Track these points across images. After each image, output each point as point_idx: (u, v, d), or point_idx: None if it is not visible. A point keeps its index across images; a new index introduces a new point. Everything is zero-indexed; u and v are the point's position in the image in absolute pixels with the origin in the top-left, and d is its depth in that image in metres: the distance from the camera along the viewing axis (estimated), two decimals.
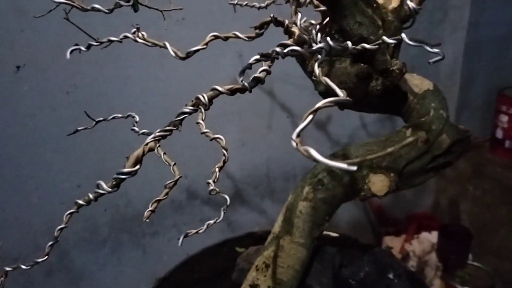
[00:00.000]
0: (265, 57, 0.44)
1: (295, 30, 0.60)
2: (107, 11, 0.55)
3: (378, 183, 0.58)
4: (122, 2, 0.53)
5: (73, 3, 0.53)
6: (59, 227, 0.44)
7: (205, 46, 0.59)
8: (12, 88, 0.87)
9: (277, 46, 0.43)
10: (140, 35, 0.65)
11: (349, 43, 0.41)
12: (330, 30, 0.55)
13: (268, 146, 1.21)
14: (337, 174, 0.61)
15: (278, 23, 0.59)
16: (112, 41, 0.63)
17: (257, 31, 0.60)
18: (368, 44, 0.47)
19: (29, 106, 0.90)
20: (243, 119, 1.14)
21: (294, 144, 0.27)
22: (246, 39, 0.61)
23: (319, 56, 0.46)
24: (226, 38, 0.62)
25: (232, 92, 0.47)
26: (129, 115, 0.55)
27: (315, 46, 0.39)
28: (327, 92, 0.57)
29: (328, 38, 0.41)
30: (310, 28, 0.54)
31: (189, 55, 0.59)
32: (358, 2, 0.49)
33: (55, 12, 0.52)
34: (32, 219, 1.00)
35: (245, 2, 0.67)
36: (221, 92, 0.47)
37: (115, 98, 0.97)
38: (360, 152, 0.61)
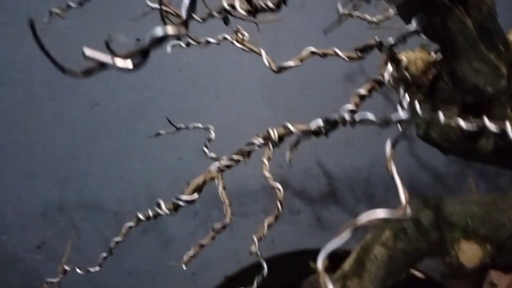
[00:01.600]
0: (329, 124, 0.38)
1: (403, 57, 0.52)
2: (200, 20, 0.53)
3: (469, 252, 0.49)
4: (214, 13, 0.50)
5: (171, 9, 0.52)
6: (116, 239, 0.45)
7: (300, 63, 0.55)
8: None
9: (346, 113, 0.37)
10: (239, 37, 0.62)
11: (441, 116, 0.33)
12: (440, 69, 0.46)
13: (373, 149, 1.12)
14: (424, 227, 0.53)
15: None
16: (209, 42, 0.62)
17: (359, 53, 0.53)
18: (484, 96, 0.38)
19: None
20: (349, 130, 1.07)
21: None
22: (346, 59, 0.55)
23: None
24: (324, 55, 0.56)
25: (304, 133, 0.42)
26: (207, 128, 0.54)
27: (395, 114, 0.32)
28: (426, 137, 0.49)
29: (417, 105, 0.33)
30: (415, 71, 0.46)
31: (281, 70, 0.55)
32: (477, 45, 0.40)
33: None
34: (134, 181, 1.08)
35: (357, 14, 0.60)
36: (292, 132, 0.43)
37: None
38: (456, 210, 0.52)
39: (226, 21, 0.46)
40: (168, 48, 0.60)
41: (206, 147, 0.51)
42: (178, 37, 0.24)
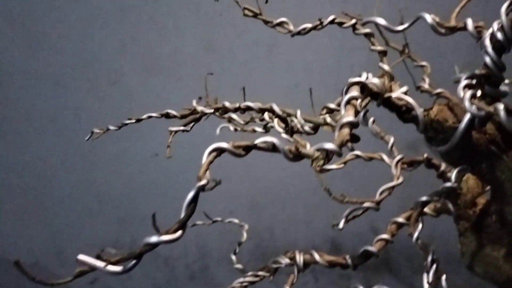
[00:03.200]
0: (360, 258, 0.37)
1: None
2: (242, 122, 0.53)
3: None
4: (256, 121, 0.50)
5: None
6: None
7: (342, 166, 0.53)
8: None
9: (379, 241, 0.35)
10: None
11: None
12: (489, 205, 0.42)
13: (433, 220, 1.06)
14: None
15: (431, 165, 0.48)
16: (255, 131, 0.62)
17: (405, 166, 0.50)
18: None
19: None
20: (408, 185, 1.02)
21: None
22: (394, 170, 0.53)
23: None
24: (369, 159, 0.54)
25: (330, 265, 0.41)
26: (241, 225, 0.53)
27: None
28: (470, 269, 0.45)
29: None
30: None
31: (323, 171, 0.54)
32: None
33: None
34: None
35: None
36: (317, 262, 0.41)
37: None
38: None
39: (267, 130, 0.46)
40: (217, 131, 0.61)
41: (235, 253, 0.51)
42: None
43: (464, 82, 0.28)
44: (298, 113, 0.38)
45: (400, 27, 0.40)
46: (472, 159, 0.36)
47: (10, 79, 0.97)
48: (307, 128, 0.40)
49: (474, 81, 0.29)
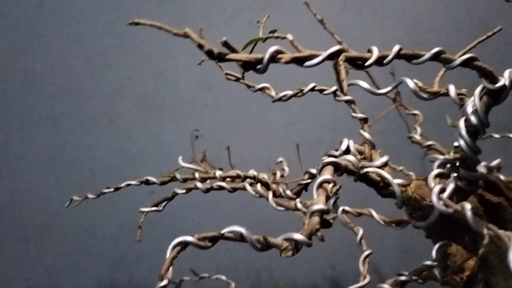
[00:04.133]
0: None
1: None
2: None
3: None
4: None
5: None
6: None
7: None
8: None
9: None
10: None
11: None
12: (476, 272, 0.41)
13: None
14: None
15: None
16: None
17: (393, 225, 0.50)
18: None
19: None
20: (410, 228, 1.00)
21: None
22: (381, 222, 0.52)
23: None
24: (358, 214, 0.53)
25: None
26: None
27: None
28: None
29: None
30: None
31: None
32: None
33: None
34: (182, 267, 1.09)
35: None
36: None
37: None
38: None
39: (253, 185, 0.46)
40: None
41: None
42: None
43: (435, 171, 0.27)
44: (270, 195, 0.37)
45: (383, 91, 0.40)
46: (454, 233, 0.35)
47: (8, 118, 0.98)
48: (288, 192, 0.40)
49: (448, 166, 0.28)
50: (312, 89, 0.36)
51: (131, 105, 0.97)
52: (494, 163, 0.70)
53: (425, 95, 0.42)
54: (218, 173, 0.40)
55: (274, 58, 0.23)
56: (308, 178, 0.40)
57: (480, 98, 0.29)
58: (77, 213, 1.03)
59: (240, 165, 1.02)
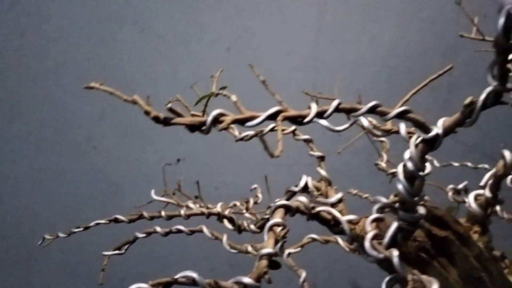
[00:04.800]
0: None
1: None
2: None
3: None
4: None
5: None
6: None
7: (299, 249, 0.54)
8: None
9: None
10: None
11: None
12: None
13: None
14: None
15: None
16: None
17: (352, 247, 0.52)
18: None
19: None
20: None
21: None
22: (347, 249, 0.54)
23: None
24: (325, 242, 0.55)
25: None
26: None
27: None
28: None
29: None
30: None
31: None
32: None
33: None
34: None
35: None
36: None
37: None
38: None
39: (220, 220, 0.48)
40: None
41: None
42: None
43: (372, 217, 0.29)
44: (224, 238, 0.39)
45: (341, 128, 0.43)
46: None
47: None
48: (252, 227, 0.42)
49: (387, 210, 0.30)
50: (272, 129, 0.38)
51: (114, 131, 0.99)
52: (461, 185, 0.73)
53: (379, 133, 0.45)
54: (182, 211, 0.42)
55: (216, 121, 0.25)
56: (271, 213, 0.42)
57: (416, 146, 0.31)
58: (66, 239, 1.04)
59: (222, 187, 1.05)
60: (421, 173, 0.31)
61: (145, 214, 0.43)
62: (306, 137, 0.41)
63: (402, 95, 0.60)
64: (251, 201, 0.63)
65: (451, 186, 0.70)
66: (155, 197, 0.49)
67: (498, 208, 0.62)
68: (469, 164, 0.59)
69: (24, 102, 0.99)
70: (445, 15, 0.89)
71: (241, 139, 0.42)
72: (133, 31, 0.96)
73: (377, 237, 0.28)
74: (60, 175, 1.02)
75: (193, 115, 0.38)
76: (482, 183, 0.41)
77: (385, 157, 0.64)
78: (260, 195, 0.64)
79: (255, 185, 0.68)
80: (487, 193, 0.40)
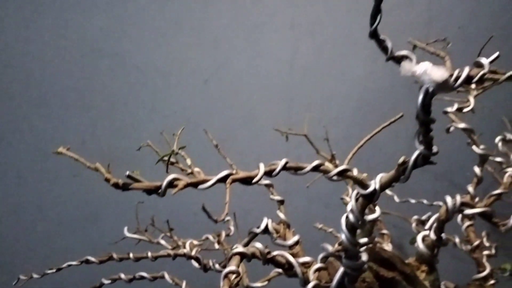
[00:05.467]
0: None
1: None
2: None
3: None
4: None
5: None
6: None
7: (266, 283, 0.57)
8: None
9: None
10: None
11: None
12: None
13: None
14: None
15: None
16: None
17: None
18: None
19: None
20: None
21: None
22: None
23: None
24: None
25: None
26: None
27: None
28: None
29: None
30: None
31: None
32: None
33: None
34: None
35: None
36: None
37: None
38: None
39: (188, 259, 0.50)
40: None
41: None
42: None
43: (315, 266, 0.32)
44: (184, 284, 0.42)
45: (304, 171, 0.46)
46: None
47: None
48: (217, 266, 0.45)
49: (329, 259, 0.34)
50: (234, 181, 0.41)
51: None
52: (425, 216, 0.77)
53: (335, 177, 0.48)
54: (150, 253, 0.44)
55: (171, 185, 0.28)
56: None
57: (356, 200, 0.34)
58: (44, 267, 1.05)
59: (200, 213, 1.07)
60: (366, 219, 0.34)
61: (115, 255, 0.46)
62: (267, 182, 0.44)
63: (371, 126, 0.63)
64: (223, 234, 0.65)
65: (415, 217, 0.74)
66: (128, 234, 0.51)
67: (457, 240, 0.66)
68: (425, 201, 0.62)
69: (5, 129, 1.01)
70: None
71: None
72: (115, 62, 0.99)
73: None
74: (39, 201, 1.03)
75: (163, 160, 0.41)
76: (427, 227, 0.45)
77: (350, 191, 0.68)
78: (232, 228, 0.67)
79: (227, 217, 0.70)
80: (432, 235, 0.43)
